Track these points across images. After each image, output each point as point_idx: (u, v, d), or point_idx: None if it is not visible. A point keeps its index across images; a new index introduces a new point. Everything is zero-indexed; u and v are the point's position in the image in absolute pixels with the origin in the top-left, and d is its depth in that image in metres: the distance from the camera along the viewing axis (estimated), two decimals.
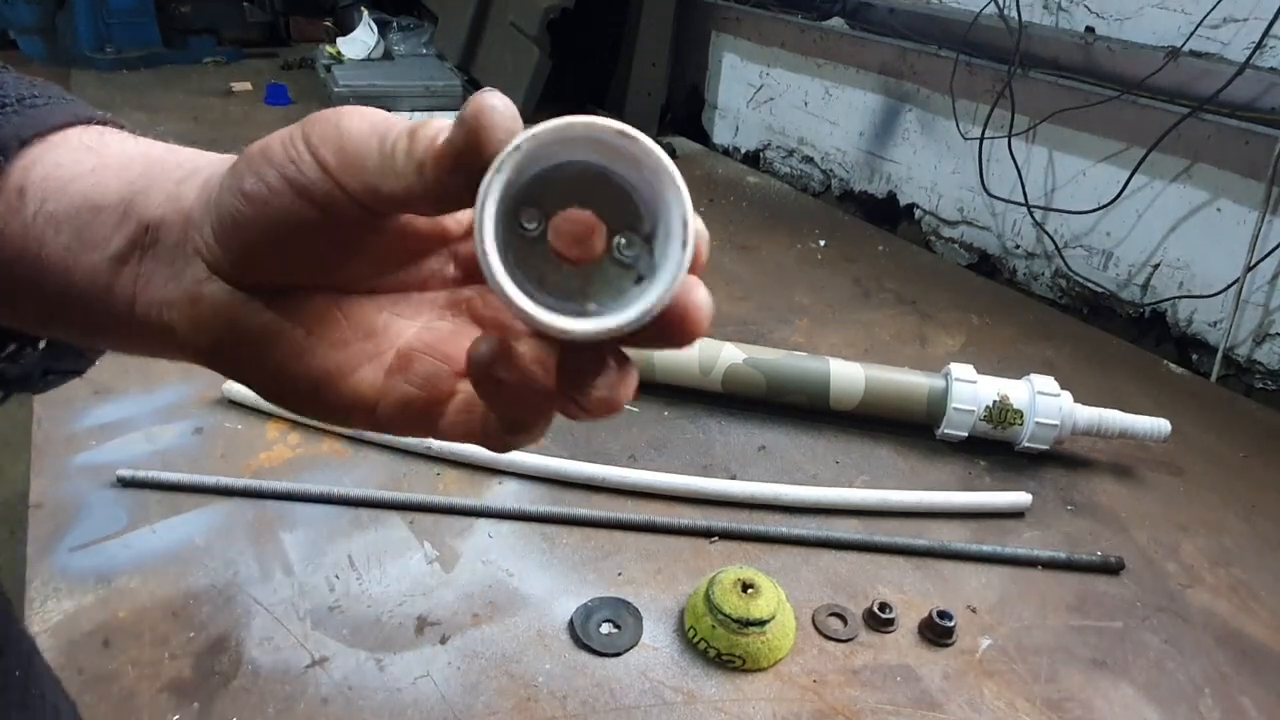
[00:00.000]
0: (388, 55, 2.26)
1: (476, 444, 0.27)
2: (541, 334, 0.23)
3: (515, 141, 0.22)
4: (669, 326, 0.23)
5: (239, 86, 2.11)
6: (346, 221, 0.24)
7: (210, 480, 0.73)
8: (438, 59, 2.28)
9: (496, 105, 0.22)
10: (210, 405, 0.84)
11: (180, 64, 2.33)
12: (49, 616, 0.60)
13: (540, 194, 0.24)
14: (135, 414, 0.82)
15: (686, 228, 0.22)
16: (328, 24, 2.66)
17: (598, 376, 0.23)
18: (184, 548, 0.67)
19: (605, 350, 0.24)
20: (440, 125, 0.23)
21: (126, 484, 0.72)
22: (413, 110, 1.96)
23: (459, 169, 0.22)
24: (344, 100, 1.95)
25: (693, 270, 0.23)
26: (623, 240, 0.24)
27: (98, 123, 0.29)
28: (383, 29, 2.31)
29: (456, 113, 0.23)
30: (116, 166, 0.28)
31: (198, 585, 0.64)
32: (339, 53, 2.18)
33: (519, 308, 0.22)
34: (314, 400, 0.27)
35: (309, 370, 0.26)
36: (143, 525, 0.69)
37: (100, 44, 2.25)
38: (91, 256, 0.27)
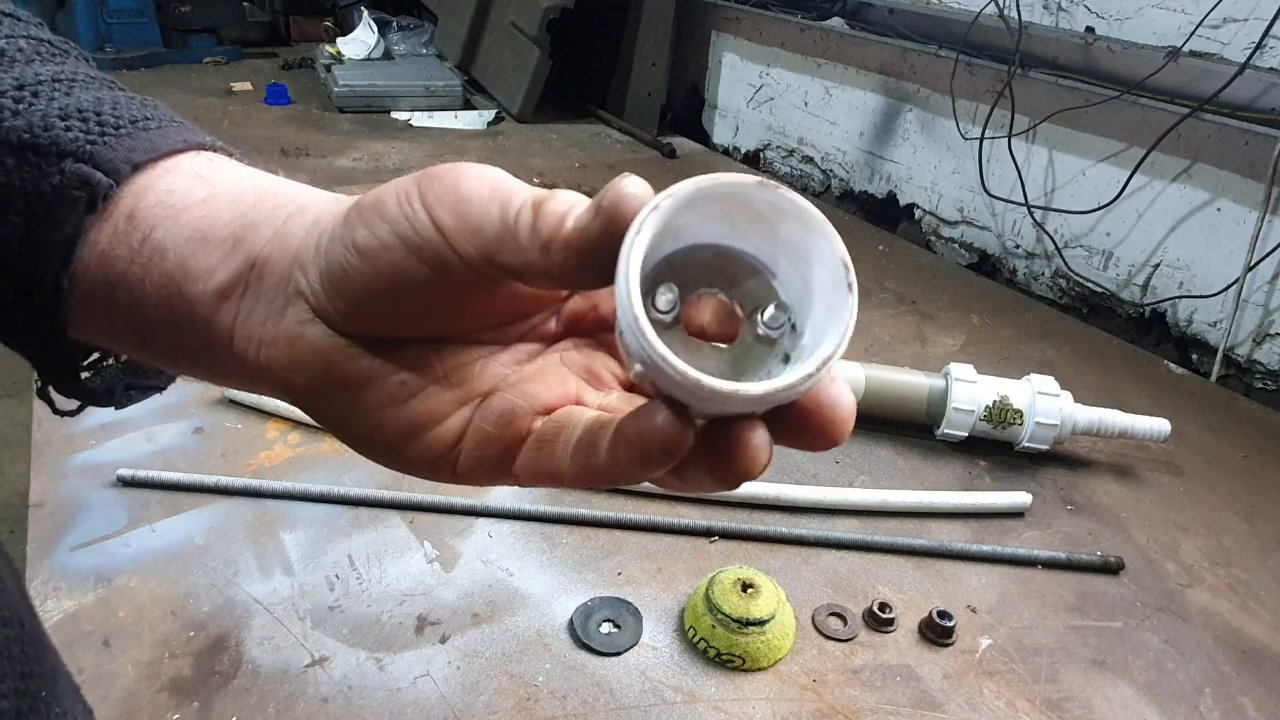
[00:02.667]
0: (388, 55, 2.26)
1: (556, 486, 0.25)
2: (678, 402, 0.21)
3: (654, 202, 0.21)
4: (809, 425, 0.22)
5: (239, 86, 2.11)
6: (459, 282, 0.24)
7: (210, 480, 0.73)
8: (438, 59, 2.28)
9: (636, 193, 0.21)
10: (210, 405, 0.84)
11: (180, 64, 2.34)
12: (49, 616, 0.60)
13: (671, 278, 0.23)
14: (135, 413, 0.82)
15: (848, 270, 0.21)
16: (328, 24, 2.66)
17: (749, 439, 0.22)
18: (184, 547, 0.67)
19: (753, 421, 0.22)
20: (568, 203, 0.22)
21: (126, 483, 0.72)
22: (413, 110, 1.96)
23: (590, 256, 0.22)
24: (344, 100, 1.95)
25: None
26: (764, 315, 0.23)
27: (208, 149, 0.29)
28: (383, 29, 2.31)
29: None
30: (228, 198, 0.27)
31: (198, 585, 0.64)
32: (339, 52, 2.18)
33: (677, 368, 0.20)
34: (403, 450, 0.26)
35: (400, 418, 0.26)
36: (143, 525, 0.69)
37: (100, 44, 2.26)
38: (195, 287, 0.26)
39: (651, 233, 0.21)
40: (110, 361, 0.31)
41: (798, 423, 0.22)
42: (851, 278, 0.21)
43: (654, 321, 0.22)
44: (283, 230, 0.26)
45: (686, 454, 0.22)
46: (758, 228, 0.23)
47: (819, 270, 0.22)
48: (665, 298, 0.22)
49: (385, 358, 0.25)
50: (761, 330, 0.23)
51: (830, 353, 0.21)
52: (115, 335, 0.29)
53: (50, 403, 0.31)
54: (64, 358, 0.30)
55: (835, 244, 0.22)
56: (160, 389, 0.34)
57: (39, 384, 0.31)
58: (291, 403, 0.27)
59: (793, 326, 0.23)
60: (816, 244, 0.22)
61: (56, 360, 0.30)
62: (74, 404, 0.32)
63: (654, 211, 0.21)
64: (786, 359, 0.23)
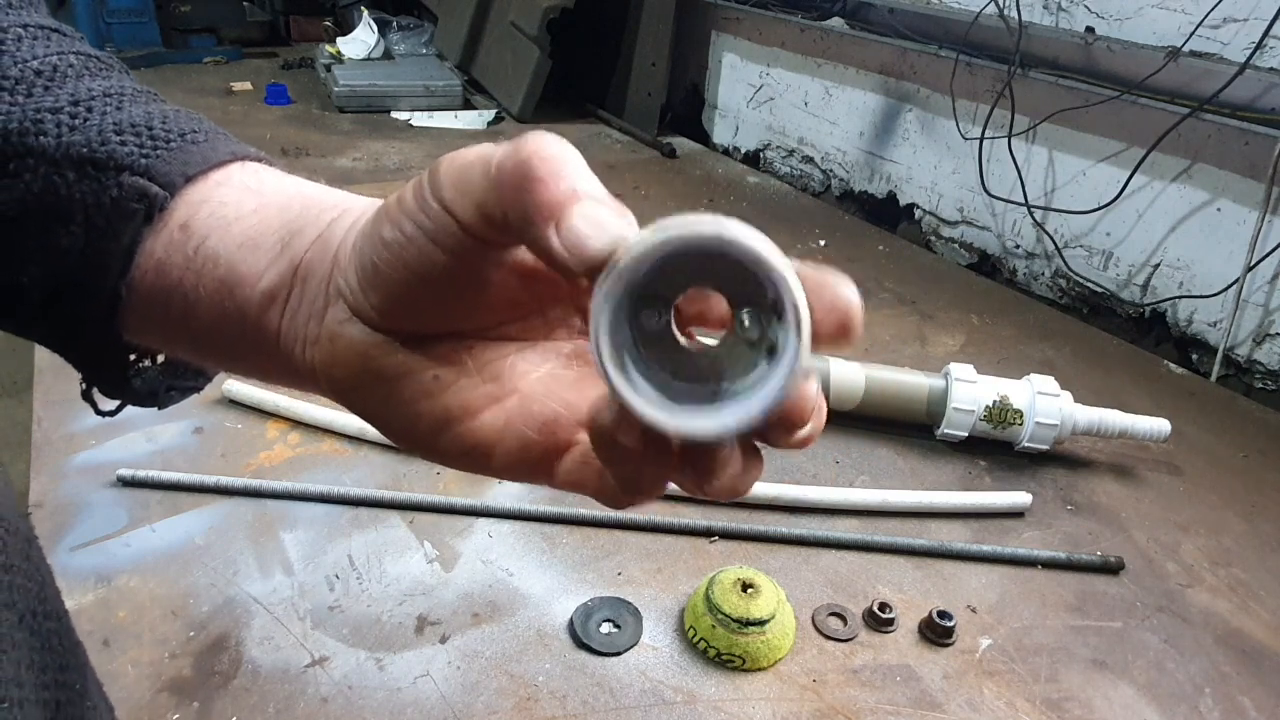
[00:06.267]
0: (388, 55, 2.26)
1: (592, 497, 0.27)
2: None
3: (611, 266, 0.22)
4: (776, 424, 0.23)
5: (239, 86, 2.11)
6: (475, 263, 0.25)
7: (210, 480, 0.73)
8: (438, 59, 2.28)
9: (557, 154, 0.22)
10: (210, 405, 0.84)
11: (180, 64, 2.33)
12: None
13: (660, 285, 0.23)
14: (135, 413, 0.81)
15: (799, 312, 0.22)
16: (328, 24, 2.66)
17: (723, 468, 0.24)
18: (184, 547, 0.67)
19: (729, 444, 0.24)
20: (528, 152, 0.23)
21: (126, 483, 0.72)
22: (413, 110, 1.96)
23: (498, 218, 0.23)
24: (344, 100, 1.95)
25: (841, 342, 0.23)
26: (746, 318, 0.24)
27: (252, 159, 0.31)
28: (383, 29, 2.31)
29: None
30: (277, 207, 0.29)
31: (198, 585, 0.64)
32: (339, 52, 2.18)
33: (635, 409, 0.22)
34: (436, 440, 0.27)
35: (434, 410, 0.27)
36: (143, 525, 0.69)
37: (100, 44, 2.25)
38: (244, 291, 0.28)
39: (620, 290, 0.22)
40: (148, 363, 0.33)
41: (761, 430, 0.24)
42: (802, 319, 0.22)
43: (646, 330, 0.24)
44: (325, 234, 0.28)
45: (655, 461, 0.24)
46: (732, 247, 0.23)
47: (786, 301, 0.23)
48: (651, 307, 0.24)
49: (420, 353, 0.27)
50: (742, 330, 0.24)
51: (775, 394, 0.22)
52: (168, 338, 0.30)
53: (94, 404, 0.33)
54: (114, 362, 0.31)
55: (793, 285, 0.22)
56: (199, 388, 0.36)
57: (84, 387, 0.32)
58: (333, 398, 0.28)
59: (778, 317, 0.23)
60: (780, 285, 0.22)
61: (106, 364, 0.31)
62: (113, 404, 0.33)
63: (614, 274, 0.22)
64: (772, 351, 0.23)
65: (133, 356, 0.32)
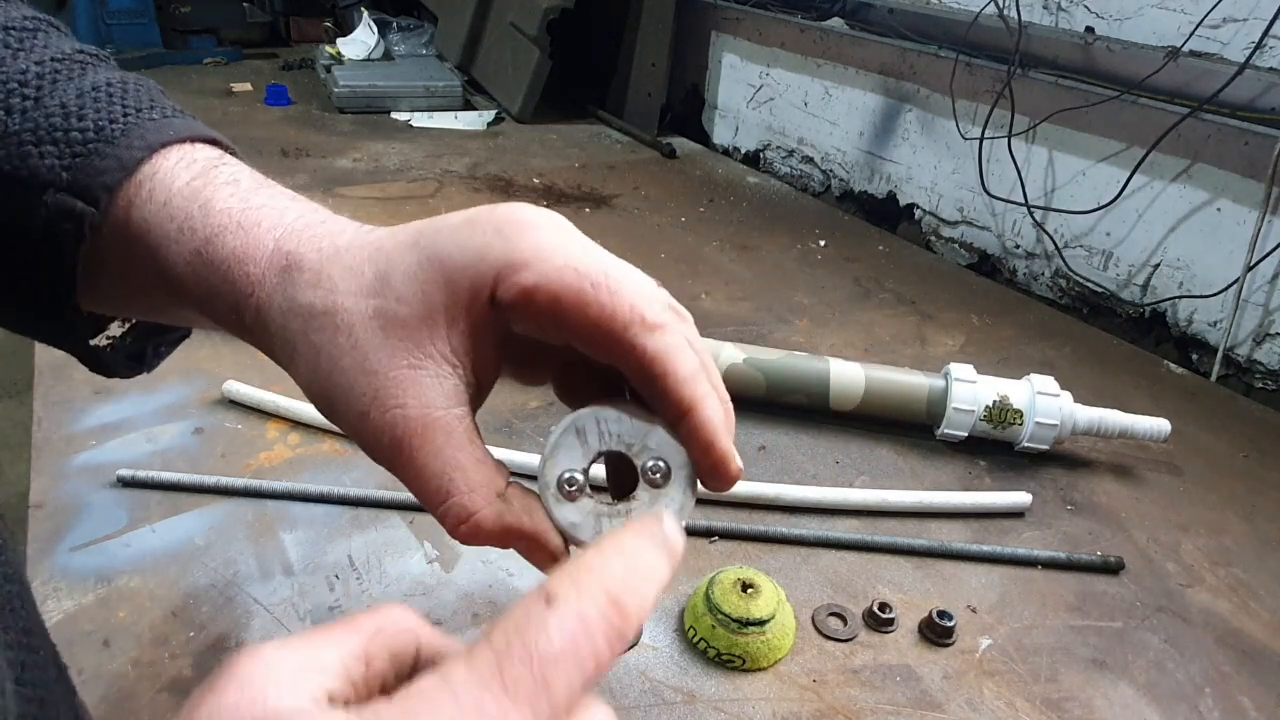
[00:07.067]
0: (388, 55, 2.26)
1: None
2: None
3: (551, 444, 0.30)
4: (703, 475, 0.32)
5: (239, 87, 2.11)
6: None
7: (210, 480, 0.73)
8: (438, 59, 2.28)
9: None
10: (210, 405, 0.84)
11: (180, 64, 2.33)
12: (49, 616, 0.60)
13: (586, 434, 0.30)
14: (135, 414, 0.82)
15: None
16: (328, 24, 2.66)
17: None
18: (184, 547, 0.67)
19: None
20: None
21: (126, 484, 0.72)
22: (413, 110, 1.96)
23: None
24: (344, 101, 1.95)
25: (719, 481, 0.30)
26: (649, 466, 0.30)
27: (175, 143, 0.31)
28: (383, 29, 2.31)
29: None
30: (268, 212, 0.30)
31: (198, 585, 0.64)
32: (339, 53, 2.18)
33: (560, 526, 0.30)
34: (365, 417, 0.30)
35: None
36: (143, 525, 0.69)
37: (100, 44, 2.24)
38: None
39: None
40: (116, 335, 0.34)
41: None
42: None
43: (569, 481, 0.30)
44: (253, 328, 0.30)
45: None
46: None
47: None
48: (575, 484, 0.30)
49: None
50: (647, 476, 0.30)
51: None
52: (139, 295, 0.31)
53: (110, 371, 0.34)
54: (81, 340, 0.32)
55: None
56: (186, 335, 0.37)
57: (90, 360, 0.33)
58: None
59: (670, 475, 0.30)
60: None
61: (79, 346, 0.32)
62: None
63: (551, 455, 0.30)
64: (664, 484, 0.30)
65: (104, 334, 0.33)
